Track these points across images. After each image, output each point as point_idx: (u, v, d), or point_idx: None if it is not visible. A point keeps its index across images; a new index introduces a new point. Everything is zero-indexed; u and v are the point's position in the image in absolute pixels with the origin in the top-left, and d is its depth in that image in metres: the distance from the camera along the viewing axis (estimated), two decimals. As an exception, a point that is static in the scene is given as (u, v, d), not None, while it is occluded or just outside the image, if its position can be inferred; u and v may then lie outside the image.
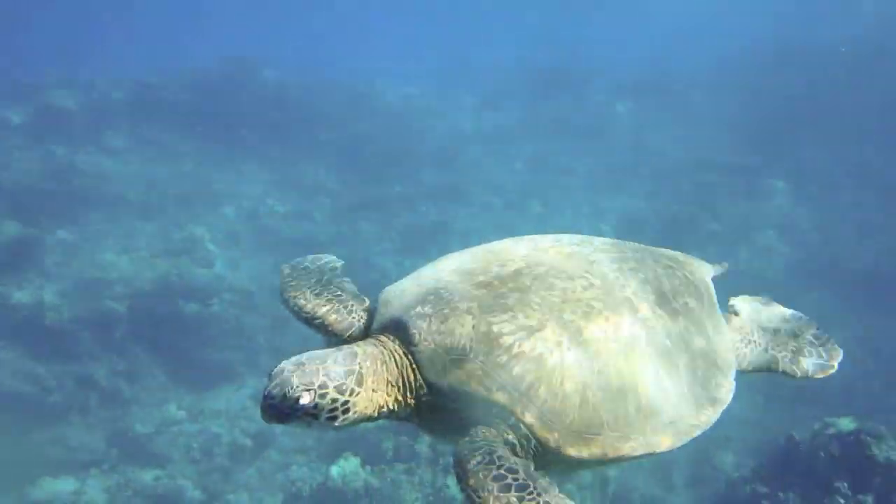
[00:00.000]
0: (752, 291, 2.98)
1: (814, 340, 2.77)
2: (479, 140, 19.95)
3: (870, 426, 6.79)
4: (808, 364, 2.70)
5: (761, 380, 9.81)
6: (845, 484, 6.54)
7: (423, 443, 7.79)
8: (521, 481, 1.94)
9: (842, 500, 6.48)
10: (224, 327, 12.16)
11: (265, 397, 2.05)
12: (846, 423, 6.98)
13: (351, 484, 7.42)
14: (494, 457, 1.99)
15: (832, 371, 2.69)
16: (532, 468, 2.03)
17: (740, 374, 2.64)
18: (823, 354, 2.73)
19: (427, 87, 24.11)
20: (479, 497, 1.91)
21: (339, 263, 2.78)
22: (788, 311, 2.87)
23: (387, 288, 2.47)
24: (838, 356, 2.73)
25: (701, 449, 9.85)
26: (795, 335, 2.78)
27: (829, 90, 17.98)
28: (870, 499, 6.42)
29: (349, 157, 18.29)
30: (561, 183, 17.71)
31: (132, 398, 11.17)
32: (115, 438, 10.20)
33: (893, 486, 6.37)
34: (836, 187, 15.91)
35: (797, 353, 2.73)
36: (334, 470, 7.67)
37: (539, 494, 1.92)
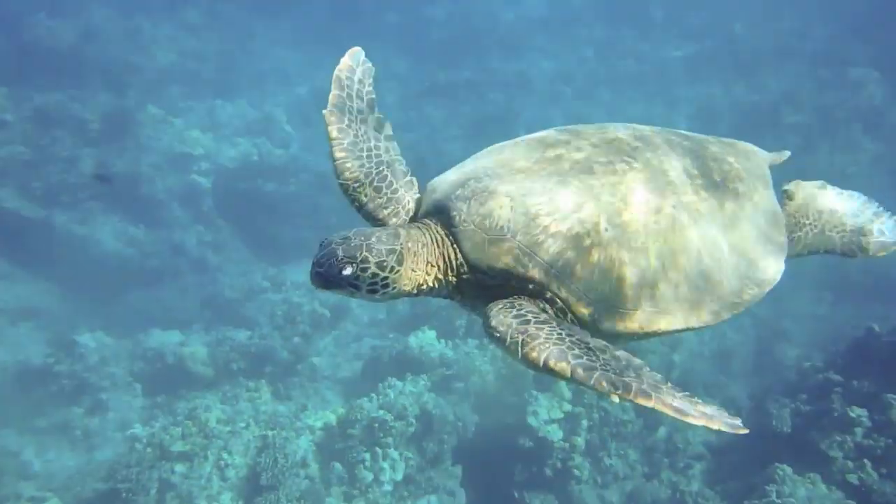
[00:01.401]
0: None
1: (873, 218, 2.72)
2: (549, 25, 19.35)
3: None
4: (869, 242, 2.67)
5: (830, 276, 10.02)
6: None
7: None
8: (541, 318, 2.05)
9: None
10: (301, 206, 12.83)
11: (313, 265, 2.18)
12: None
13: (428, 353, 8.17)
14: (515, 304, 2.13)
15: (895, 248, 2.65)
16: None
17: (798, 258, 2.66)
18: (886, 232, 2.68)
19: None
20: (498, 332, 2.03)
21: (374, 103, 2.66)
22: (846, 192, 2.80)
23: (434, 179, 2.53)
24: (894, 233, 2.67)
25: (764, 339, 10.31)
26: (855, 215, 2.74)
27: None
28: None
29: (417, 40, 18.11)
30: (633, 71, 17.25)
31: (218, 266, 12.16)
32: (207, 302, 11.25)
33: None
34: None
35: (856, 232, 2.69)
36: (412, 340, 8.40)
37: (561, 327, 2.03)
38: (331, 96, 2.56)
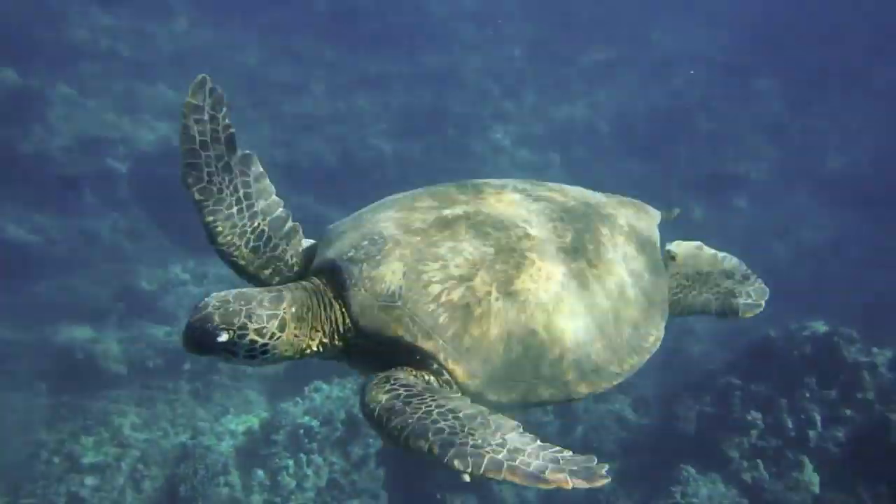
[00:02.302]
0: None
1: (742, 280, 2.85)
2: (479, 21, 19.47)
3: (843, 330, 7.55)
4: (739, 304, 2.79)
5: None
6: (813, 380, 7.35)
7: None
8: (413, 391, 2.01)
9: (808, 394, 7.29)
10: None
11: (186, 328, 2.07)
12: (820, 326, 7.75)
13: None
14: (390, 378, 2.07)
15: (760, 310, 2.79)
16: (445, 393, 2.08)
17: (676, 318, 2.76)
18: (752, 294, 2.81)
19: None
20: (368, 409, 1.99)
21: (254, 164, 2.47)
22: (720, 254, 2.92)
23: (329, 227, 2.49)
24: (765, 295, 2.83)
25: (671, 337, 10.87)
26: (726, 276, 2.85)
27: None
28: (833, 393, 7.26)
29: (347, 29, 17.82)
30: (560, 73, 17.66)
31: (135, 256, 11.65)
32: (122, 293, 10.76)
33: (856, 384, 7.24)
34: (825, 90, 16.35)
35: (728, 294, 2.80)
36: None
37: (433, 398, 1.98)
38: (182, 153, 2.33)
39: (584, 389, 2.29)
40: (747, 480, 7.12)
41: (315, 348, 2.23)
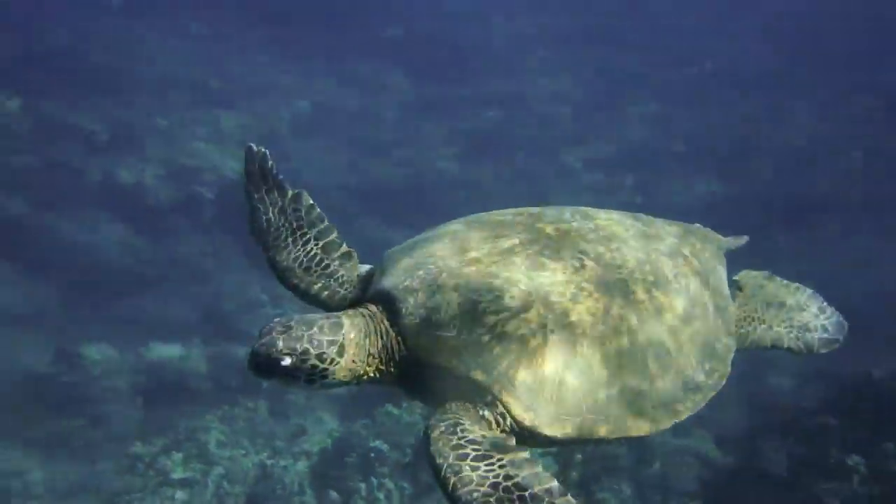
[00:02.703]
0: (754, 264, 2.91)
1: (818, 314, 2.74)
2: (546, 44, 19.65)
3: None
4: (814, 339, 2.68)
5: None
6: None
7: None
8: (481, 452, 1.96)
9: None
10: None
11: (251, 353, 2.16)
12: None
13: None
14: (458, 428, 2.02)
15: (837, 346, 2.68)
16: (508, 442, 2.05)
17: (745, 351, 2.64)
18: (829, 328, 2.70)
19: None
20: (436, 463, 1.95)
21: (306, 202, 2.79)
22: (793, 285, 2.80)
23: (387, 252, 2.53)
24: (843, 329, 2.71)
25: (756, 369, 10.05)
26: (801, 310, 2.74)
27: None
28: None
29: (416, 56, 18.36)
30: (632, 93, 17.54)
31: (218, 278, 12.36)
32: (206, 313, 11.45)
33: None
34: None
35: (802, 329, 2.70)
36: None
37: (502, 465, 1.92)
38: (249, 215, 2.73)
39: (642, 427, 2.22)
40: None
41: (372, 374, 2.27)
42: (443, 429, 2.03)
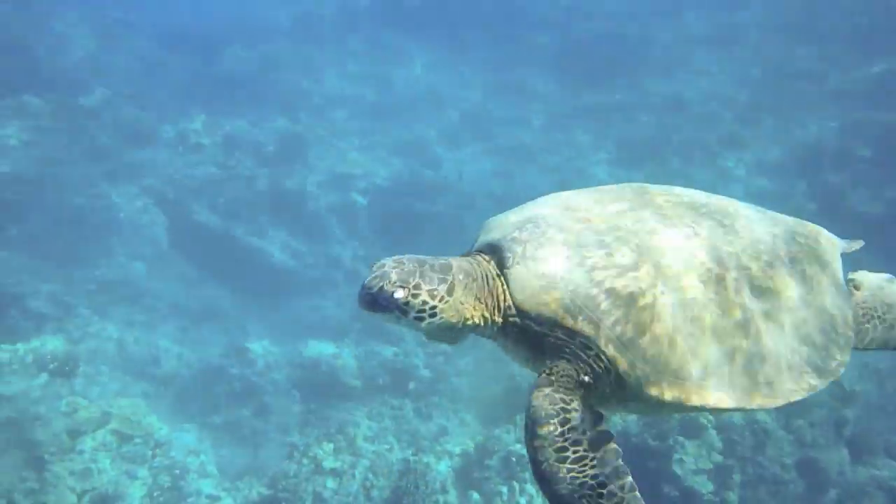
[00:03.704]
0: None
1: None
2: (708, 45, 18.54)
3: None
4: None
5: None
6: None
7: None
8: (579, 454, 2.04)
9: None
10: (447, 225, 13.32)
11: (364, 286, 2.18)
12: None
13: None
14: (566, 428, 2.06)
15: None
16: (602, 422, 2.11)
17: (864, 351, 2.57)
18: None
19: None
20: (537, 462, 2.04)
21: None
22: None
23: (490, 218, 2.51)
24: None
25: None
26: None
27: None
28: None
29: (568, 61, 18.10)
30: (803, 91, 16.04)
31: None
32: (358, 315, 11.92)
33: None
34: None
35: None
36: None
37: (593, 465, 2.02)
38: None
39: (755, 401, 2.17)
40: None
41: (477, 321, 2.27)
42: (552, 427, 2.06)
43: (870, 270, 2.74)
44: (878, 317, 2.59)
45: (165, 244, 13.05)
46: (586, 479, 2.01)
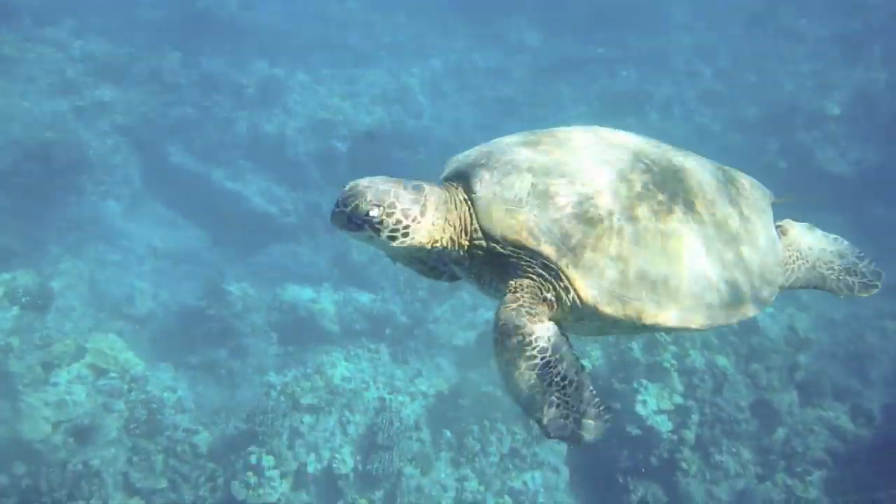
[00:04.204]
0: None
1: (857, 261, 2.88)
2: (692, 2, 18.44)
3: None
4: (854, 282, 2.83)
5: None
6: None
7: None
8: (546, 358, 2.19)
9: None
10: (429, 174, 13.28)
11: (338, 203, 2.21)
12: None
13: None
14: (533, 338, 2.19)
15: (876, 290, 2.84)
16: (565, 333, 2.27)
17: (791, 290, 2.82)
18: (867, 275, 2.85)
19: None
20: (509, 372, 2.17)
21: None
22: (832, 236, 2.95)
23: (454, 156, 2.59)
24: (880, 277, 2.85)
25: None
26: (840, 256, 2.89)
27: None
28: None
29: (552, 13, 17.90)
30: (781, 47, 16.14)
31: (348, 228, 12.95)
32: (337, 261, 12.07)
33: None
34: None
35: (843, 272, 2.85)
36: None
37: (563, 377, 2.20)
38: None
39: (698, 319, 2.33)
40: None
41: (445, 243, 2.35)
42: (519, 338, 2.20)
43: (830, 228, 2.96)
44: (802, 259, 2.83)
45: (139, 184, 12.92)
46: (554, 380, 2.19)
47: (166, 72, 13.61)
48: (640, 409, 7.70)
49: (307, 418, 7.23)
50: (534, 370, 2.17)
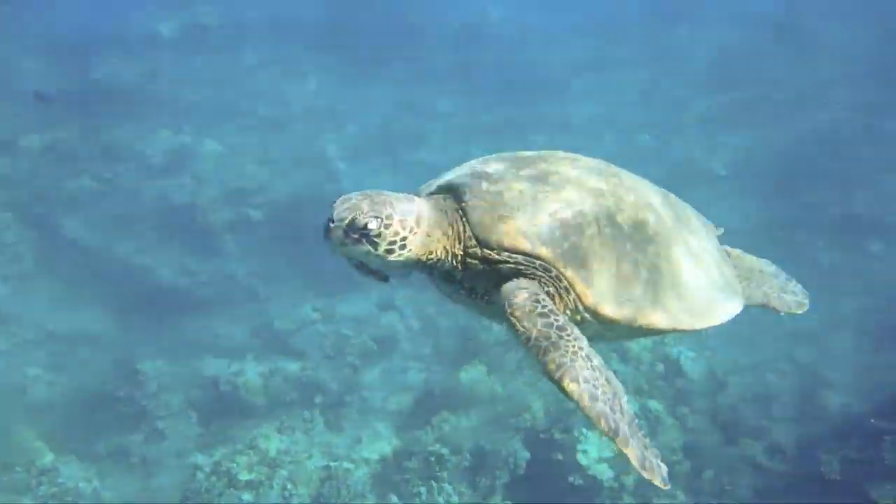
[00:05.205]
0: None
1: (787, 282, 3.13)
2: (594, 69, 19.82)
3: None
4: (790, 300, 3.05)
5: (867, 322, 10.00)
6: None
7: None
8: (561, 322, 2.17)
9: None
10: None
11: (332, 219, 2.17)
12: None
13: (479, 389, 8.33)
14: (539, 297, 2.20)
15: (806, 308, 3.07)
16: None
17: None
18: (798, 294, 3.09)
19: (537, 14, 23.82)
20: (524, 327, 2.14)
21: None
22: (763, 260, 3.19)
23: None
24: (807, 296, 3.10)
25: (806, 385, 10.17)
26: (774, 276, 3.12)
27: None
28: None
29: (463, 82, 18.66)
30: (676, 116, 17.53)
31: (268, 297, 12.49)
32: (258, 332, 11.54)
33: None
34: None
35: (780, 290, 3.06)
36: (463, 375, 8.57)
37: (575, 338, 2.15)
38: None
39: (686, 322, 2.43)
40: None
41: (440, 254, 2.34)
42: (527, 296, 2.20)
43: None
44: (746, 278, 3.00)
45: (30, 263, 12.01)
46: (578, 351, 2.13)
47: (61, 143, 12.93)
48: (581, 458, 7.72)
49: (246, 496, 6.71)
50: (551, 328, 2.13)
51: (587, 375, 2.07)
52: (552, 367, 2.07)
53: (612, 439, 2.04)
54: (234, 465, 6.87)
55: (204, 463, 7.27)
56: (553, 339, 2.11)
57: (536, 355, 2.11)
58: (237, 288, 12.46)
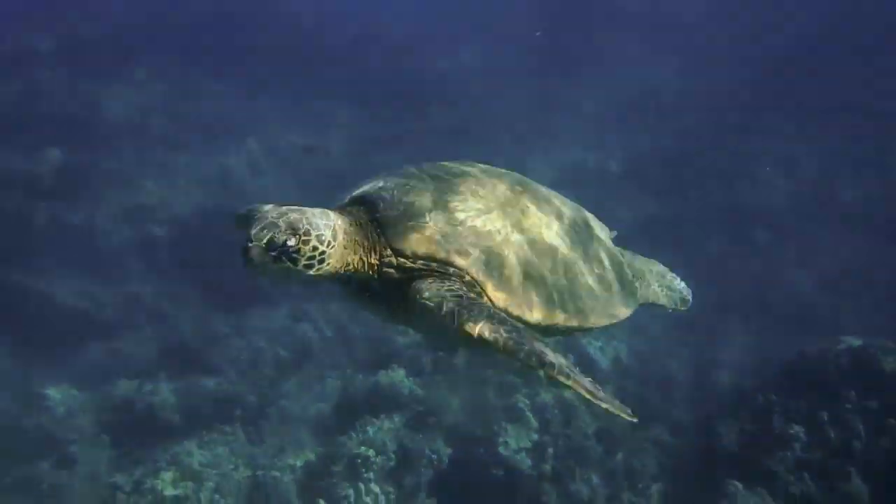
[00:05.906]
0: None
1: (674, 280, 3.37)
2: (486, 76, 20.53)
3: (878, 341, 7.66)
4: (678, 298, 3.31)
5: (751, 306, 11.01)
6: (853, 393, 7.33)
7: (461, 357, 9.00)
8: (472, 297, 2.32)
9: (849, 406, 7.26)
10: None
11: (250, 239, 2.19)
12: (854, 340, 7.88)
13: (399, 390, 8.56)
14: (448, 286, 2.33)
15: (689, 304, 3.35)
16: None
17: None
18: (683, 291, 3.34)
19: (430, 22, 24.40)
20: (433, 302, 2.25)
21: None
22: (652, 260, 3.41)
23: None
24: (690, 292, 3.37)
25: (700, 368, 11.14)
26: (662, 276, 3.33)
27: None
28: (874, 404, 7.18)
29: (359, 93, 18.86)
30: (569, 120, 18.45)
31: (178, 316, 12.18)
32: (169, 351, 11.25)
33: (898, 395, 7.02)
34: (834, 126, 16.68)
35: (667, 289, 3.30)
36: (382, 378, 8.79)
37: (487, 306, 2.30)
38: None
39: (592, 319, 2.63)
40: (795, 493, 7.07)
41: (356, 265, 2.42)
42: (430, 280, 2.34)
43: None
44: (639, 278, 3.22)
45: None
46: (493, 314, 2.28)
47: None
48: (502, 450, 8.10)
49: (174, 511, 6.64)
50: (460, 299, 2.25)
51: (507, 328, 2.18)
52: (469, 324, 2.17)
53: (553, 375, 2.08)
54: (159, 481, 6.79)
55: (124, 483, 7.11)
56: (465, 304, 2.22)
57: (452, 321, 2.19)
58: (142, 308, 12.10)
